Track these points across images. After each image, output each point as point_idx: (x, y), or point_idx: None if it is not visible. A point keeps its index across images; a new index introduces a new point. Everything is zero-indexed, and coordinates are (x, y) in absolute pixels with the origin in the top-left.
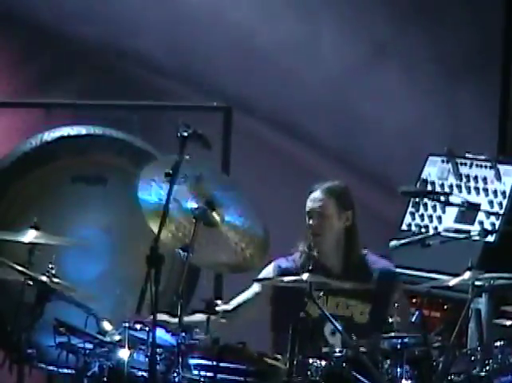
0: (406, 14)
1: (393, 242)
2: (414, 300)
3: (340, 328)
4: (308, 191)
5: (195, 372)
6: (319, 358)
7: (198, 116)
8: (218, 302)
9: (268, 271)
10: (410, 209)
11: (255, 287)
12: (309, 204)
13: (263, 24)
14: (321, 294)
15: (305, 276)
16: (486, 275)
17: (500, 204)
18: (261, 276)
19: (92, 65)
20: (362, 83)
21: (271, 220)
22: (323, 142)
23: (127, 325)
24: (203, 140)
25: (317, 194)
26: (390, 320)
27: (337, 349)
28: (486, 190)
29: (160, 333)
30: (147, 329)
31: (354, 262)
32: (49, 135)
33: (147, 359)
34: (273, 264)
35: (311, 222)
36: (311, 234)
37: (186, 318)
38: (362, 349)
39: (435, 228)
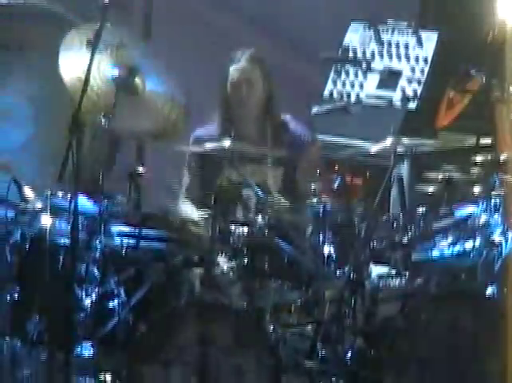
0: None
1: (315, 109)
2: (336, 167)
3: (260, 194)
4: (229, 60)
5: (118, 239)
6: (242, 225)
7: None
8: (140, 169)
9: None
10: (332, 76)
11: None
12: (235, 74)
13: None
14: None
15: (226, 144)
16: (408, 142)
17: (422, 71)
18: None
19: None
20: None
21: (192, 86)
22: (246, 8)
23: (49, 193)
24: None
25: (241, 64)
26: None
27: (260, 217)
28: (407, 56)
29: (82, 200)
30: (69, 196)
31: (271, 129)
32: None
33: (69, 227)
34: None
35: (237, 93)
36: (237, 104)
37: None
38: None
39: (357, 95)
